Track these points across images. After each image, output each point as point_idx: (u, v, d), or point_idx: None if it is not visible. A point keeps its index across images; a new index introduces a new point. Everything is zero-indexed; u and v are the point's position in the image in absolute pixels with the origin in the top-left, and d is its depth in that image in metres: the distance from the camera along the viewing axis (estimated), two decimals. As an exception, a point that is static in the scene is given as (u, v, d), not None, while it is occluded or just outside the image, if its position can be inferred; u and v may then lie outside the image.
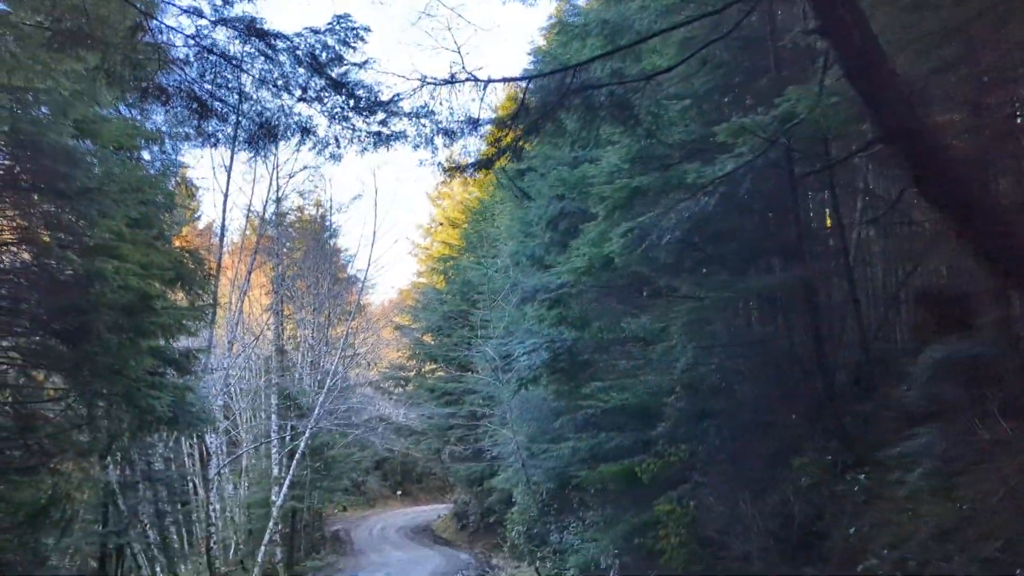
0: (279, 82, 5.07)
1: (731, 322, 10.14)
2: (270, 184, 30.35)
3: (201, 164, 70.24)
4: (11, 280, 12.44)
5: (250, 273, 29.94)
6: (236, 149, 21.82)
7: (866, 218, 11.30)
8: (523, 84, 6.19)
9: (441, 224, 53.67)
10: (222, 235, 25.67)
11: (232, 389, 32.98)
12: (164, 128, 16.32)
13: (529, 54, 19.42)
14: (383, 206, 73.69)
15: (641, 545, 11.24)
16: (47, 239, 10.92)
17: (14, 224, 12.24)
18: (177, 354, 15.63)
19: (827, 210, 10.91)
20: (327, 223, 38.51)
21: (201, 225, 43.27)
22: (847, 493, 8.16)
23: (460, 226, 47.92)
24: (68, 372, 11.26)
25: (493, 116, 6.16)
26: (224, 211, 26.73)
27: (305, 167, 34.35)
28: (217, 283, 22.60)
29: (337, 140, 5.45)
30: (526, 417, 16.62)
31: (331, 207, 42.23)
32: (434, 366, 44.92)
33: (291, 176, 31.60)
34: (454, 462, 40.49)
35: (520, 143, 5.89)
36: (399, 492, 64.08)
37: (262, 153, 6.08)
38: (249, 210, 31.38)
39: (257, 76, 5.02)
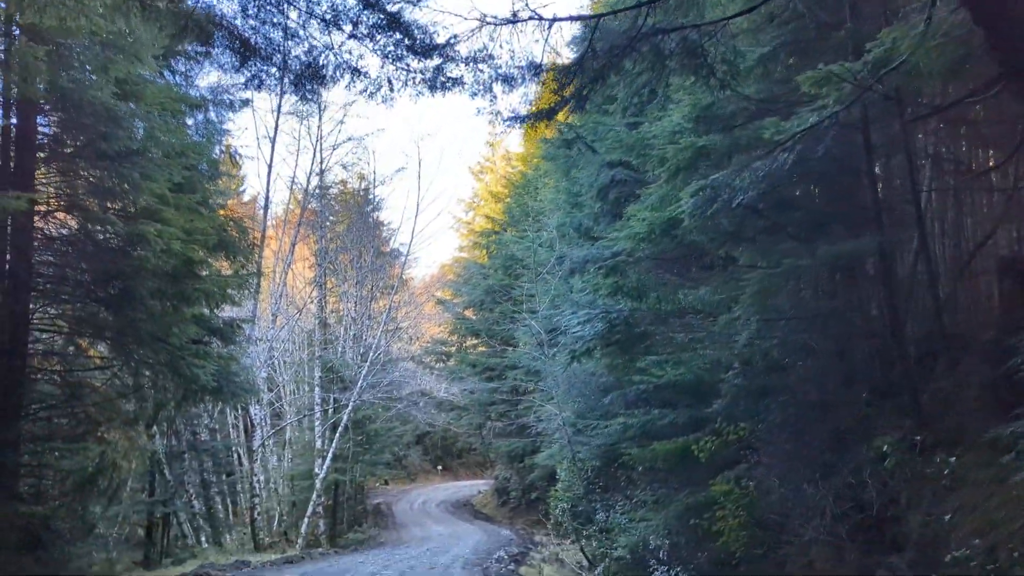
0: (328, 16, 4.66)
1: (796, 294, 9.52)
2: (314, 155, 30.23)
3: (245, 135, 70.52)
4: (57, 248, 12.36)
5: (294, 245, 29.93)
6: (282, 95, 21.64)
7: (939, 184, 10.60)
8: (587, 37, 5.69)
9: (484, 200, 53.39)
10: (266, 205, 25.57)
11: (276, 361, 33.16)
12: (208, 95, 16.16)
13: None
14: (426, 178, 73.19)
15: (696, 526, 10.77)
16: (93, 206, 10.75)
17: (60, 192, 12.13)
18: (221, 324, 15.54)
19: (900, 175, 10.21)
20: (370, 196, 38.41)
21: (246, 198, 43.53)
22: (930, 476, 7.60)
23: (503, 200, 47.53)
24: (112, 340, 11.15)
25: (555, 64, 5.69)
26: (268, 181, 26.74)
27: (349, 138, 34.21)
28: (261, 253, 22.53)
29: (390, 82, 5.02)
30: (573, 393, 16.19)
31: (374, 179, 42.17)
32: (476, 341, 44.73)
33: (335, 147, 31.48)
34: (496, 438, 40.39)
35: (585, 92, 5.41)
36: (439, 467, 64.50)
37: (309, 97, 5.70)
38: (293, 181, 31.29)
39: (304, 9, 4.61)
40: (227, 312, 18.75)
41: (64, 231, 12.95)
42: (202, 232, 10.41)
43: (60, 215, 13.03)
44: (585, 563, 21.16)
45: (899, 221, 9.98)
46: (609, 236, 9.44)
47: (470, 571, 16.37)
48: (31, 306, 12.17)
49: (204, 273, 10.20)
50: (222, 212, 14.61)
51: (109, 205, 9.88)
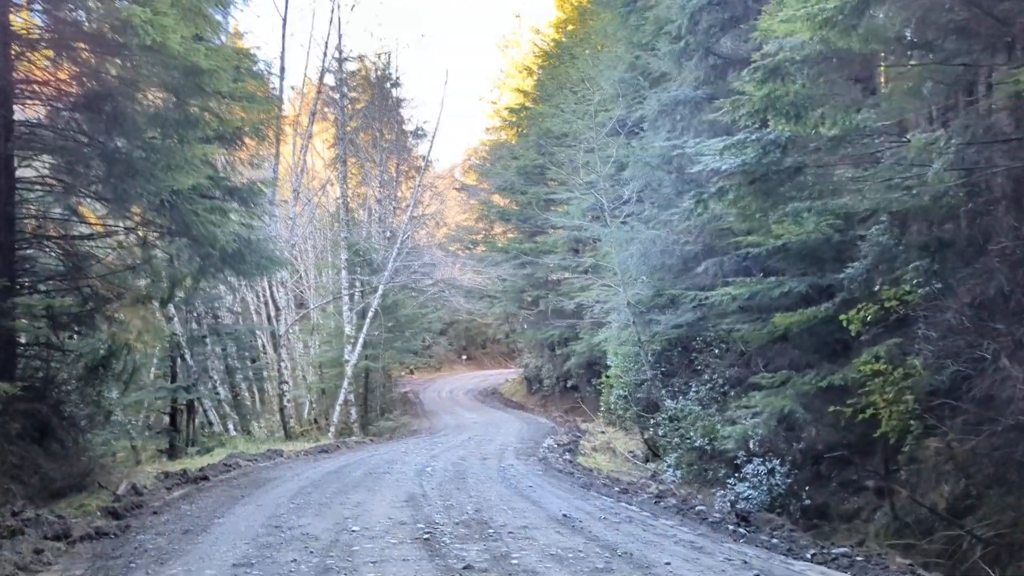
0: None
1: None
2: (332, 12, 27.10)
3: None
4: (38, 91, 9.97)
5: (313, 115, 27.38)
6: None
7: None
8: None
9: (510, 76, 50.07)
10: (282, 68, 22.79)
11: (298, 244, 31.23)
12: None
13: None
14: (451, 50, 67.94)
15: (837, 413, 8.74)
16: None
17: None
18: (239, 184, 13.39)
19: None
20: (390, 71, 35.52)
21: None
22: None
23: (534, 74, 44.38)
24: (104, 189, 8.91)
25: None
26: (283, 36, 23.80)
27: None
28: (280, 108, 20.05)
29: None
30: (649, 265, 13.98)
31: (397, 48, 39.01)
32: (506, 227, 42.51)
33: (354, 6, 28.42)
34: (528, 325, 38.77)
35: None
36: (464, 356, 64.00)
37: None
38: (311, 39, 28.40)
39: None
40: (246, 173, 16.56)
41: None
42: (209, 43, 7.98)
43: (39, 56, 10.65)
44: (640, 452, 19.56)
45: None
46: (764, 24, 6.92)
47: (527, 461, 14.66)
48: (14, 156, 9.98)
49: (212, 88, 7.81)
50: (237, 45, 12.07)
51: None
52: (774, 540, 6.80)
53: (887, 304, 8.06)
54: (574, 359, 32.10)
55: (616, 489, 10.29)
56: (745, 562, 5.56)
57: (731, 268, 11.41)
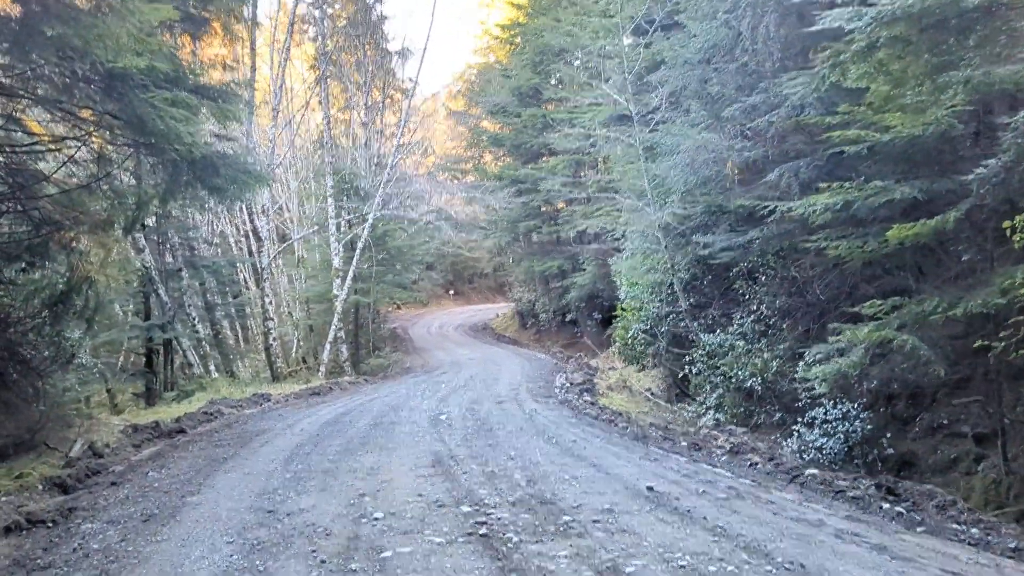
0: None
1: None
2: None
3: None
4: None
5: (292, 26, 24.73)
6: None
7: None
8: None
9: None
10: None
11: (279, 172, 28.90)
12: None
13: None
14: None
15: (981, 348, 6.91)
16: None
17: None
18: (209, 84, 11.21)
19: None
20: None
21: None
22: None
23: (526, -13, 41.46)
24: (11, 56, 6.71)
25: None
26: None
27: None
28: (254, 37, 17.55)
29: None
30: (698, 176, 11.86)
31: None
32: (499, 152, 40.06)
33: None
34: (524, 257, 36.83)
35: None
36: (451, 292, 62.38)
37: None
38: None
39: None
40: (217, 74, 14.28)
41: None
42: None
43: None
44: (658, 391, 17.95)
45: None
46: None
47: (548, 404, 12.91)
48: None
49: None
50: None
51: None
52: (971, 529, 5.03)
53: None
54: (574, 292, 30.28)
55: (683, 443, 8.50)
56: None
57: (810, 175, 9.44)
